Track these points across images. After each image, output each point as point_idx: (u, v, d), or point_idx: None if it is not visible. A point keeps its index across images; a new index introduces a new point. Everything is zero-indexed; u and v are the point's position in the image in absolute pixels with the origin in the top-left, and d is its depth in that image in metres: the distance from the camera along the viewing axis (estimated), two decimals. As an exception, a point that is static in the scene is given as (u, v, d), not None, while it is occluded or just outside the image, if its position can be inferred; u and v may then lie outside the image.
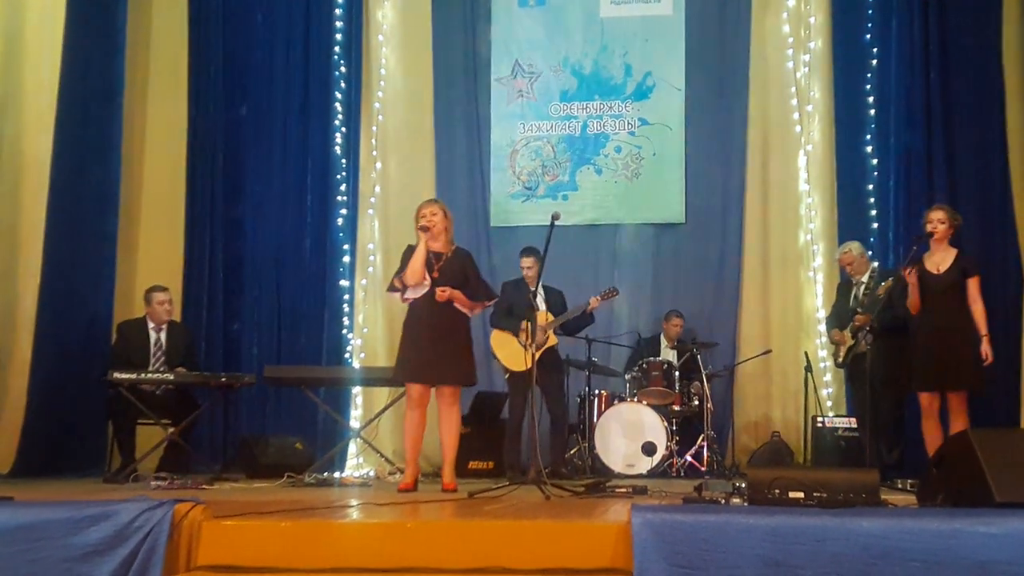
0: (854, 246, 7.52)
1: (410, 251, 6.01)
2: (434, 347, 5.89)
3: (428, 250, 5.93)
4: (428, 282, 5.92)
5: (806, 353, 8.24)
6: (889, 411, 7.15)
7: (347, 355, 8.85)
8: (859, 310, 7.03)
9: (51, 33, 7.74)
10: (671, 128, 9.16)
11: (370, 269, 9.09)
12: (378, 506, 4.69)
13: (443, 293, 5.87)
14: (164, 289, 7.69)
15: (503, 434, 7.62)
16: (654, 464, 7.66)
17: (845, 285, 7.64)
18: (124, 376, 6.98)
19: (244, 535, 3.64)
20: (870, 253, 8.18)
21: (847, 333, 7.19)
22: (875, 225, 8.53)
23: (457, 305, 5.98)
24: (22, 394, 7.34)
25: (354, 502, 5.06)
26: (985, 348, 6.30)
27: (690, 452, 8.00)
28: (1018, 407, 7.43)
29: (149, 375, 7.18)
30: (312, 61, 9.26)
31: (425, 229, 5.91)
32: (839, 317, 7.45)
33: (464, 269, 6.09)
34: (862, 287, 7.28)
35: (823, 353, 8.47)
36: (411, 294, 5.99)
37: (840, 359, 7.36)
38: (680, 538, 3.32)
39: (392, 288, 6.12)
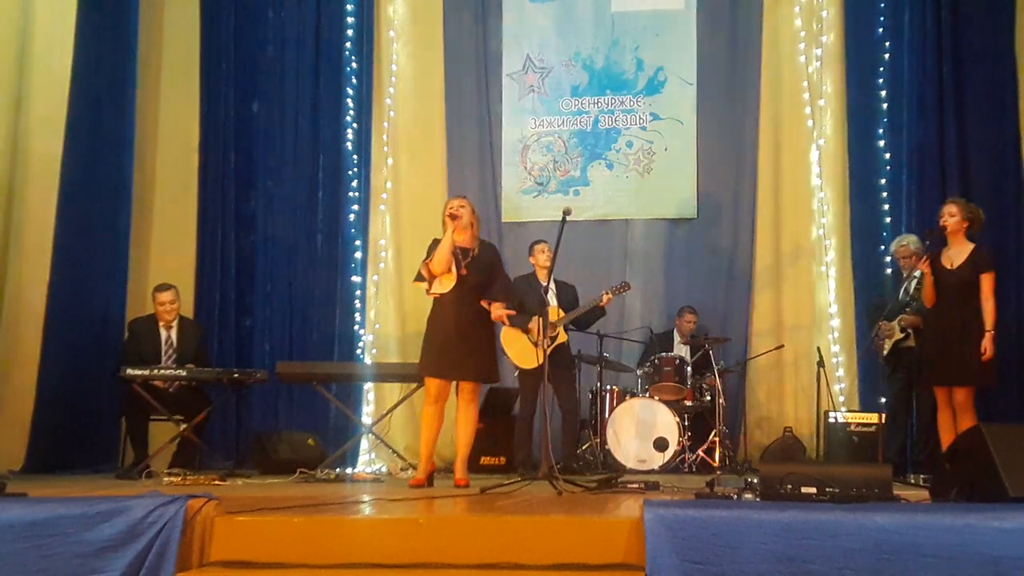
0: (911, 240, 7.39)
1: (435, 243, 6.04)
2: (459, 343, 5.93)
3: (454, 243, 5.95)
4: (455, 277, 5.95)
5: (819, 348, 8.18)
6: (928, 408, 7.13)
7: (359, 351, 8.83)
8: (908, 308, 7.01)
9: (62, 29, 7.75)
10: (682, 123, 9.12)
11: (382, 264, 9.07)
12: (390, 502, 4.70)
13: (496, 311, 5.98)
14: (168, 288, 7.62)
15: (514, 430, 7.63)
16: (666, 460, 7.65)
17: (895, 276, 7.61)
18: (137, 372, 7.01)
19: (256, 531, 3.66)
20: (881, 248, 8.16)
21: (895, 326, 7.16)
22: (888, 219, 8.47)
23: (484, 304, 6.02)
24: (30, 390, 7.35)
25: (366, 498, 5.08)
26: (986, 343, 6.19)
27: (702, 448, 7.98)
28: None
29: (162, 371, 7.19)
30: (323, 57, 9.25)
31: (454, 217, 5.95)
32: (886, 308, 7.33)
33: (492, 265, 6.13)
34: (914, 281, 7.20)
35: (836, 348, 8.44)
36: (437, 288, 6.00)
37: (885, 351, 7.32)
38: (692, 533, 3.32)
39: (419, 277, 6.11)
